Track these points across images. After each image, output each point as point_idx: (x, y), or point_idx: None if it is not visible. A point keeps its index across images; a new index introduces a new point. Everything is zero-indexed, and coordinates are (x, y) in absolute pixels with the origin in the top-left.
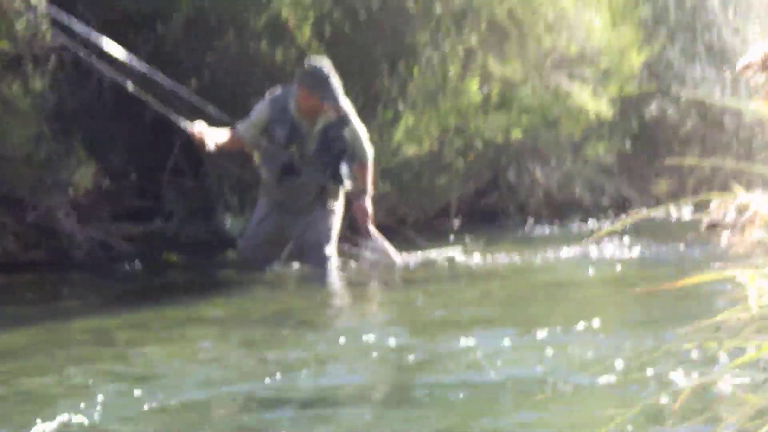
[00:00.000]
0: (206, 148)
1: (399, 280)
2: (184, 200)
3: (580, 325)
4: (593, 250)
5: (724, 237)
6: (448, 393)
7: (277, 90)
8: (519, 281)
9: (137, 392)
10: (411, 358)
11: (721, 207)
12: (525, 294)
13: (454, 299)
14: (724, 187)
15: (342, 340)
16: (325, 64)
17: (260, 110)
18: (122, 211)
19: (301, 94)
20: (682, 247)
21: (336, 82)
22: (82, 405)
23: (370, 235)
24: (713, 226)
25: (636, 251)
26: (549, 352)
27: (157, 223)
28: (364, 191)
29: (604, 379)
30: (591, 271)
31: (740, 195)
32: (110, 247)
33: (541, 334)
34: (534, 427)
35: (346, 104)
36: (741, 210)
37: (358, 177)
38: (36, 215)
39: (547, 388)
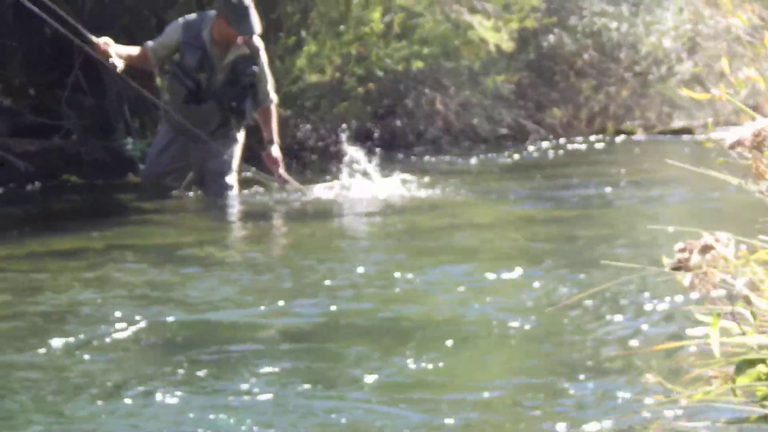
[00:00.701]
0: (110, 60)
1: (293, 213)
2: (83, 118)
3: (515, 266)
4: (501, 188)
5: (687, 279)
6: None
7: (193, 15)
8: (436, 216)
9: (39, 329)
10: (327, 290)
11: (686, 249)
12: (444, 229)
13: (385, 231)
14: (617, 118)
15: (241, 274)
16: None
17: (172, 31)
18: (20, 127)
19: (218, 23)
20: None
21: (255, 17)
22: None
23: (284, 182)
24: (677, 268)
25: (538, 188)
26: (491, 291)
27: (56, 141)
28: (270, 140)
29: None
30: (513, 208)
31: (705, 237)
32: (8, 164)
33: (476, 271)
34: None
35: (259, 42)
36: (704, 252)
37: (263, 124)
38: None
39: (491, 330)
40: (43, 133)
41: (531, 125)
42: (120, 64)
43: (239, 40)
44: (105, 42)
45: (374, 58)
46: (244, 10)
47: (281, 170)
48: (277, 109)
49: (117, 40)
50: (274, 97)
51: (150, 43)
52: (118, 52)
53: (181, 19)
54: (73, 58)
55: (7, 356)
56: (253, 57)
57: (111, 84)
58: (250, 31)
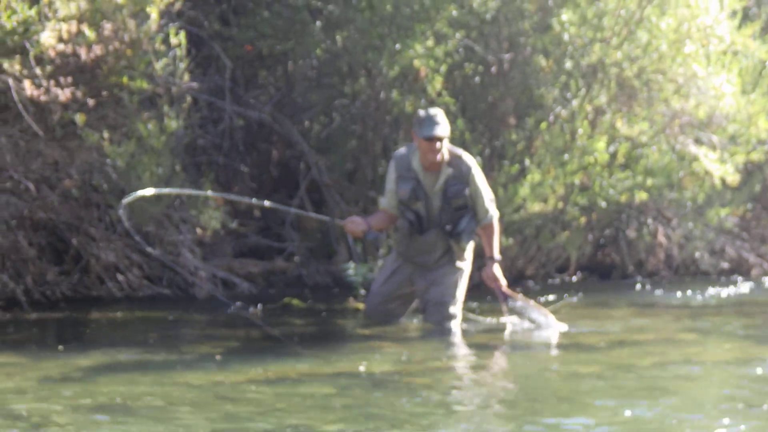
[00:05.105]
0: (369, 238)
1: (515, 344)
2: (307, 241)
3: None
4: (721, 324)
5: None
6: None
7: (401, 149)
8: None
9: None
10: None
11: None
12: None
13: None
14: None
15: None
16: (436, 110)
17: (390, 173)
18: (245, 249)
19: (419, 146)
20: None
21: (442, 122)
22: None
23: (505, 300)
24: None
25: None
26: None
27: (278, 263)
28: (491, 258)
29: None
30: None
31: None
32: (232, 285)
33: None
34: None
35: (470, 160)
36: None
37: (483, 241)
38: (161, 250)
39: None
40: (266, 255)
41: (754, 259)
42: (379, 236)
43: (438, 157)
44: (353, 222)
45: (597, 189)
46: (431, 118)
47: (503, 289)
48: (500, 224)
49: (344, 165)
50: (494, 212)
51: (383, 201)
52: (371, 225)
53: (392, 160)
54: (299, 181)
55: None
56: (464, 176)
57: (334, 207)
58: (432, 134)
